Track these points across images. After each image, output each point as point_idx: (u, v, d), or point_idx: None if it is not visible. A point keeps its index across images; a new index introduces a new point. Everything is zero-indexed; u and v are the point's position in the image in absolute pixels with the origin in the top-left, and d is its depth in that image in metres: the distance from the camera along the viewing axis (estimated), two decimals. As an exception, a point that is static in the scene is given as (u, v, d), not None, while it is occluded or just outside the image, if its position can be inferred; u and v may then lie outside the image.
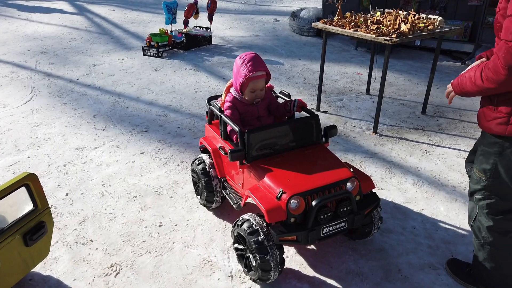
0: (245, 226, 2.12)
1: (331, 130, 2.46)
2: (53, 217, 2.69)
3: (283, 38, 7.49)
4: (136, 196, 3.00)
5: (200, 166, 2.72)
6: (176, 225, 2.71)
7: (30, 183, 1.74)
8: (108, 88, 5.08)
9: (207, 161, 2.72)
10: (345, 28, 3.86)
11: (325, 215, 2.02)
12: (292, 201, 2.01)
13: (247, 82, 2.41)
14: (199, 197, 2.89)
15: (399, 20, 3.77)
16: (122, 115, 4.33)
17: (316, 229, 2.03)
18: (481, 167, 1.88)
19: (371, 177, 2.29)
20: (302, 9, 8.03)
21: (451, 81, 1.94)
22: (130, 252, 2.48)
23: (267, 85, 2.61)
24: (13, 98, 4.71)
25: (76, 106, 4.53)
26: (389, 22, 3.73)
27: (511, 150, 1.75)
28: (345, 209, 2.07)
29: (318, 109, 4.49)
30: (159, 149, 3.67)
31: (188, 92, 4.98)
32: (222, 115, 2.51)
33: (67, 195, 3.01)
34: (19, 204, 1.76)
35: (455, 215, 2.77)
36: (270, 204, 2.03)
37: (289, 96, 2.77)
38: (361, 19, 3.95)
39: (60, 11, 9.84)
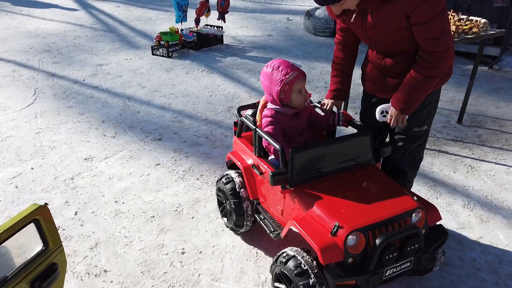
0: (291, 264, 1.79)
1: (384, 148, 2.14)
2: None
3: (297, 38, 7.15)
4: (153, 216, 2.67)
5: (229, 186, 2.39)
6: (200, 253, 2.38)
7: (40, 218, 1.41)
8: (117, 90, 4.74)
9: (237, 179, 2.39)
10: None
11: (391, 255, 1.70)
12: (350, 237, 1.69)
13: (290, 86, 2.09)
14: (225, 219, 2.56)
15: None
16: (133, 121, 3.99)
17: (379, 271, 1.70)
18: (425, 123, 2.24)
19: (437, 207, 1.96)
20: (317, 8, 7.69)
21: (394, 113, 2.06)
22: (150, 286, 2.15)
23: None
24: (15, 100, 4.37)
25: (83, 110, 4.19)
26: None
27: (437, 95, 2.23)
28: (412, 247, 1.74)
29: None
30: (175, 160, 3.33)
31: (202, 95, 4.64)
32: (257, 129, 2.18)
33: (76, 214, 2.67)
34: (26, 244, 1.44)
35: (517, 244, 2.45)
36: (324, 241, 1.70)
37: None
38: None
39: (63, 7, 9.48)
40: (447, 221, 2.62)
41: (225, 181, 2.43)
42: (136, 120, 4.01)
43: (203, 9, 6.18)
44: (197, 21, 6.30)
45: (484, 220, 2.64)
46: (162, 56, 5.97)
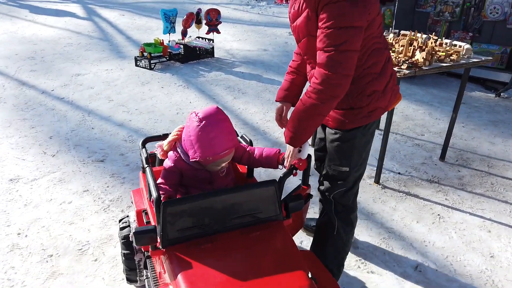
0: None
1: (295, 202, 1.74)
2: None
3: (293, 54, 6.77)
4: (51, 255, 2.35)
5: (124, 232, 2.04)
6: (86, 306, 2.04)
7: None
8: (81, 103, 4.51)
9: (134, 225, 2.04)
10: (346, 52, 3.13)
11: None
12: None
13: (215, 160, 1.73)
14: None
15: (414, 45, 3.01)
16: (82, 138, 3.72)
17: None
18: (343, 164, 1.90)
19: (338, 283, 1.55)
20: (317, 24, 7.31)
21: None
22: None
23: None
24: (-28, 109, 4.21)
25: (36, 123, 3.97)
26: (402, 48, 2.97)
27: (368, 132, 1.88)
28: None
29: (313, 144, 3.74)
30: (108, 186, 3.02)
31: (168, 113, 4.34)
32: (147, 168, 1.83)
33: (-32, 246, 2.39)
34: None
35: (469, 327, 1.97)
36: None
37: (250, 143, 2.07)
38: (368, 42, 3.21)
39: (69, 13, 9.51)
40: (390, 286, 2.17)
41: (122, 226, 2.09)
42: (87, 138, 3.74)
43: (190, 21, 5.92)
44: (183, 33, 6.05)
45: (436, 289, 2.18)
46: (144, 68, 5.75)
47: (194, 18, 5.98)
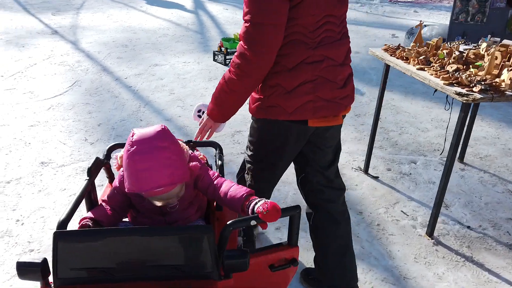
0: None
1: (236, 260, 1.28)
2: None
3: (387, 60, 5.95)
4: (32, 251, 2.27)
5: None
6: (33, 317, 1.88)
7: None
8: (144, 93, 4.54)
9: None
10: (409, 62, 2.45)
11: None
12: None
13: (148, 196, 1.40)
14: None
15: None
16: (127, 129, 3.70)
17: None
18: (249, 147, 1.88)
19: None
20: (424, 26, 6.32)
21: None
22: None
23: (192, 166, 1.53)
24: (49, 90, 4.53)
25: (94, 109, 4.09)
26: (486, 64, 2.17)
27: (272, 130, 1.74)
28: None
29: (366, 169, 3.10)
30: (123, 184, 2.89)
31: (221, 112, 4.09)
32: (85, 181, 1.58)
33: (-29, 225, 2.46)
34: None
35: None
36: None
37: (221, 171, 1.67)
38: (444, 51, 2.45)
39: (178, 5, 9.99)
40: None
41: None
42: (130, 129, 3.70)
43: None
44: (264, 29, 5.73)
45: None
46: (220, 63, 5.61)
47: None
